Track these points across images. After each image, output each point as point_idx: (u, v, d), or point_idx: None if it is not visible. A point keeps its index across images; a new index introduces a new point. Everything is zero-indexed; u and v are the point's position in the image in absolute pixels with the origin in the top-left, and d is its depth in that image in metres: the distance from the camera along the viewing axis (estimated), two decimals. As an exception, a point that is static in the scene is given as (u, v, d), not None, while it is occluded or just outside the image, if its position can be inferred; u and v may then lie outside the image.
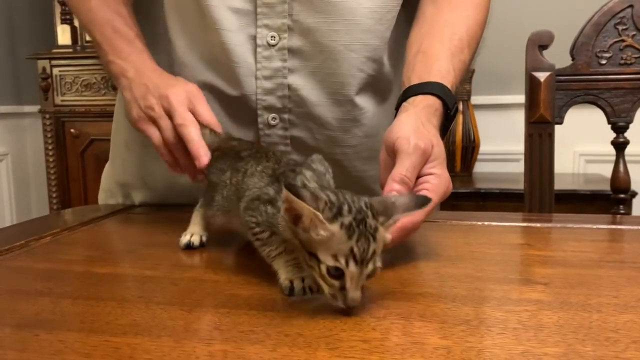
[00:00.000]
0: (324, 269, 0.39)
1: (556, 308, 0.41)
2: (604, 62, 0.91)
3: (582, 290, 0.44)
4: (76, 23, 2.14)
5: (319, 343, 0.36)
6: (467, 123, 2.06)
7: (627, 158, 1.72)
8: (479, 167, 2.18)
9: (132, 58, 0.68)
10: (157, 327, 0.39)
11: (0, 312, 0.43)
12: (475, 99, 2.11)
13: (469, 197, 1.86)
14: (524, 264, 0.53)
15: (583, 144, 2.09)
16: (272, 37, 0.70)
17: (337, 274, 0.39)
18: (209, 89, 0.72)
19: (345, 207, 0.39)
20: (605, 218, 0.78)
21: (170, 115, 0.64)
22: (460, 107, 2.08)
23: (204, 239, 0.58)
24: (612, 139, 0.92)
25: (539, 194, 0.91)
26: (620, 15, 0.90)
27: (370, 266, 0.39)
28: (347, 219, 0.39)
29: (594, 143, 2.15)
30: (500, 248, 0.58)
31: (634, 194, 1.76)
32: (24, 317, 0.41)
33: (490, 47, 2.05)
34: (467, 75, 2.12)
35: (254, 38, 0.71)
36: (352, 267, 0.38)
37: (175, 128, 0.63)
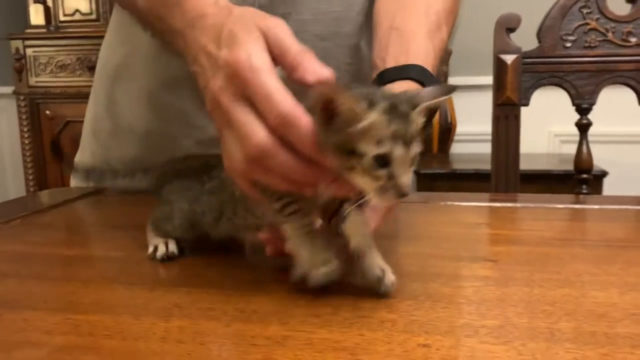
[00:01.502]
0: (367, 161, 0.36)
1: (500, 284, 0.43)
2: (569, 45, 0.92)
3: (528, 267, 0.47)
4: (49, 2, 2.11)
5: (272, 319, 0.37)
6: (443, 104, 2.08)
7: (599, 138, 1.76)
8: (456, 148, 2.21)
9: (180, 26, 0.48)
10: (118, 306, 0.41)
11: (-35, 293, 0.44)
12: (451, 80, 2.13)
13: (445, 178, 1.89)
14: (478, 242, 0.55)
15: (557, 124, 2.13)
16: None
17: (383, 162, 0.36)
18: (185, 80, 0.72)
19: (378, 95, 0.37)
20: (567, 198, 0.81)
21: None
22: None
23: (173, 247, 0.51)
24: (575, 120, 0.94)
25: (505, 175, 0.94)
26: (585, -2, 0.92)
27: (413, 148, 0.37)
28: (382, 105, 0.36)
29: (569, 124, 2.19)
30: (458, 227, 0.60)
31: (605, 173, 1.80)
32: (-12, 298, 0.42)
33: (467, 28, 2.07)
34: (444, 56, 2.13)
35: None
36: (398, 149, 0.36)
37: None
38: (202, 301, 0.41)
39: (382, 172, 0.36)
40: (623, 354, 0.32)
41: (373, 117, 0.36)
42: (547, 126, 2.11)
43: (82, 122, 1.91)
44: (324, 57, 0.54)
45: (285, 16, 0.70)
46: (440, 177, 1.89)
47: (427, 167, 1.93)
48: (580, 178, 0.95)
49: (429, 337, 0.34)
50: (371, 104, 0.36)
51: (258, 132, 0.38)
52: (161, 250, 0.50)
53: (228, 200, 0.47)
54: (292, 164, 0.38)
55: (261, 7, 0.69)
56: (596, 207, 0.70)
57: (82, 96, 2.04)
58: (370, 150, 0.36)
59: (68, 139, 2.09)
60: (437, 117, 2.07)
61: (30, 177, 2.09)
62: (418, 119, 0.38)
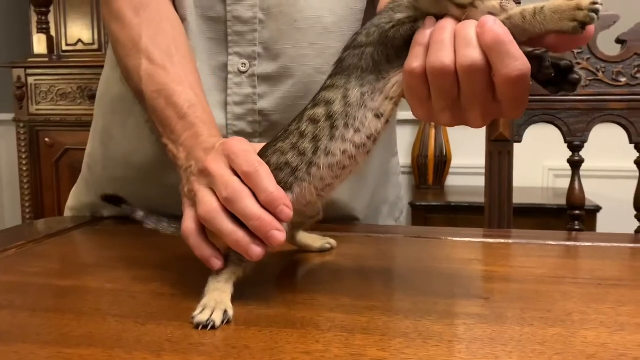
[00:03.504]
0: None
1: (492, 322, 0.43)
2: (560, 83, 0.94)
3: (519, 304, 0.47)
4: (52, 32, 2.15)
5: (264, 355, 0.38)
6: (439, 138, 2.10)
7: (593, 173, 1.77)
8: (452, 181, 2.23)
9: (182, 140, 0.58)
10: (110, 339, 0.41)
11: (-42, 324, 0.44)
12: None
13: (439, 210, 1.90)
14: (471, 278, 0.56)
15: (552, 159, 2.15)
16: (242, 64, 0.73)
17: None
18: None
19: None
20: (560, 235, 0.81)
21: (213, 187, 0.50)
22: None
23: (229, 314, 0.44)
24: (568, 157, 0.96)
25: (499, 210, 0.95)
26: (576, 39, 0.94)
27: None
28: None
29: (562, 158, 2.21)
30: (451, 263, 0.61)
31: (598, 208, 1.81)
32: (-20, 330, 0.43)
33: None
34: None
35: (225, 66, 0.73)
36: None
37: (226, 196, 0.47)
38: (194, 336, 0.41)
39: None
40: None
41: None
42: (541, 160, 2.13)
43: (81, 149, 1.92)
44: None
45: (286, 51, 0.72)
46: (435, 209, 1.90)
47: (422, 200, 1.94)
48: (572, 214, 0.96)
49: (418, 375, 0.35)
50: None
51: (231, 178, 0.48)
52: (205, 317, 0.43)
53: None
54: (242, 195, 0.46)
55: (263, 43, 0.72)
56: (588, 244, 0.71)
57: (81, 124, 2.07)
58: None
59: (66, 167, 2.10)
60: (432, 150, 2.09)
61: (27, 204, 2.09)
62: None
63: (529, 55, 0.39)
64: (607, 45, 0.95)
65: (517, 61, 0.39)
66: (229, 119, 0.74)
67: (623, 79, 0.93)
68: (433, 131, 2.10)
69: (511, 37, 0.40)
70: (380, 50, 0.45)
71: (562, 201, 1.95)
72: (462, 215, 1.88)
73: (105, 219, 0.83)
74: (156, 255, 0.63)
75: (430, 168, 2.11)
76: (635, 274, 0.57)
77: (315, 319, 0.44)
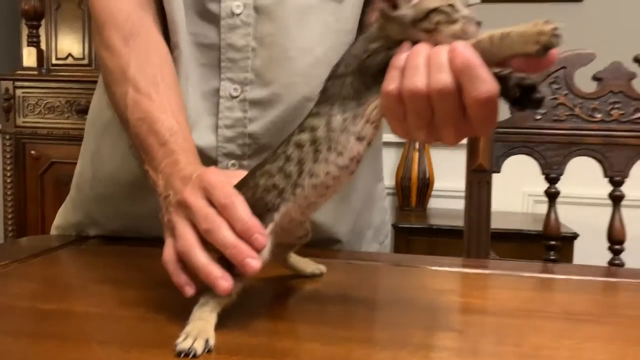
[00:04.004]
0: (446, 9, 0.45)
1: (464, 356, 0.45)
2: (539, 117, 0.98)
3: (491, 338, 0.49)
4: (43, 46, 2.16)
5: (244, 385, 0.39)
6: (422, 161, 2.13)
7: (572, 200, 1.80)
8: (434, 203, 2.26)
9: (162, 167, 0.60)
10: (94, 366, 0.42)
11: (-57, 347, 0.45)
12: (432, 138, 2.19)
13: (422, 233, 1.93)
14: (446, 310, 0.58)
15: (531, 185, 2.19)
16: (234, 89, 0.75)
17: (454, 8, 0.45)
18: None
19: None
20: (535, 266, 0.84)
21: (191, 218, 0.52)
22: (417, 145, 2.16)
23: (211, 343, 0.45)
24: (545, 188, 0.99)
25: (477, 237, 0.97)
26: (555, 75, 0.98)
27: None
28: None
29: (542, 185, 2.27)
30: (428, 293, 0.63)
31: (576, 236, 1.85)
32: (-34, 354, 0.43)
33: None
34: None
35: (217, 90, 0.75)
36: None
37: (205, 228, 0.50)
38: (177, 364, 0.42)
39: (459, 14, 0.45)
40: None
41: None
42: (521, 186, 2.17)
43: (67, 163, 1.90)
44: None
45: (277, 78, 0.74)
46: (417, 231, 1.93)
47: (405, 222, 1.96)
48: (548, 244, 0.98)
49: (391, 409, 0.36)
50: None
51: (209, 211, 0.50)
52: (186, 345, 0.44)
53: None
54: (220, 228, 0.49)
55: (255, 70, 0.74)
56: (561, 277, 0.73)
57: (68, 138, 2.07)
58: (441, 3, 0.45)
59: (52, 180, 2.09)
60: (415, 173, 2.12)
61: (10, 217, 2.08)
62: None
63: (496, 76, 0.42)
64: (584, 82, 0.98)
65: (486, 84, 0.42)
66: (219, 142, 0.76)
67: (599, 115, 0.97)
68: (417, 154, 2.14)
69: (480, 61, 0.43)
70: (359, 78, 0.49)
71: (541, 227, 2.00)
72: (444, 238, 1.90)
73: (90, 238, 0.84)
74: (141, 277, 0.64)
75: (413, 190, 2.14)
76: (603, 309, 0.60)
77: (295, 349, 0.45)
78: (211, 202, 0.50)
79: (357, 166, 0.50)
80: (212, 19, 0.73)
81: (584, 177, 1.64)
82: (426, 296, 0.62)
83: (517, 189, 2.19)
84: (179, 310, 0.52)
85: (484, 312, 0.57)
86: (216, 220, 0.49)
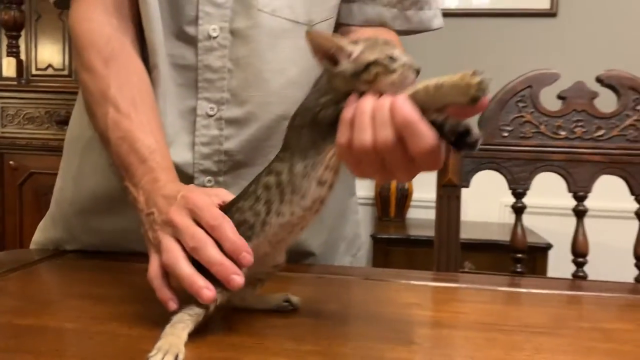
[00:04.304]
0: (384, 61, 0.48)
1: (419, 367, 0.48)
2: (506, 134, 1.02)
3: (447, 350, 0.52)
4: (23, 56, 2.16)
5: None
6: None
7: (541, 210, 1.84)
8: (413, 213, 2.30)
9: (142, 183, 0.63)
10: (67, 382, 0.44)
11: None
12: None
13: (400, 243, 1.96)
14: (409, 324, 0.60)
15: (508, 195, 2.24)
16: (211, 108, 0.77)
17: (393, 59, 0.48)
18: None
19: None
20: (503, 280, 0.87)
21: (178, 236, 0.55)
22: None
23: (180, 357, 0.48)
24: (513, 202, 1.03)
25: (447, 250, 1.00)
26: (521, 94, 1.02)
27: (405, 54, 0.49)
28: (363, 38, 0.50)
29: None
30: (394, 307, 0.65)
31: (550, 246, 1.90)
32: (-57, 370, 0.45)
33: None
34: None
35: (194, 109, 0.77)
36: (396, 51, 0.49)
37: (192, 246, 0.53)
38: (147, 379, 0.44)
39: (396, 64, 0.48)
40: None
41: (363, 43, 0.49)
42: (498, 197, 2.22)
43: (46, 174, 1.90)
44: (283, 135, 0.62)
45: (252, 98, 0.77)
46: (396, 242, 1.96)
47: (384, 232, 2.00)
48: (515, 257, 1.02)
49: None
50: (354, 42, 0.50)
51: (197, 230, 0.53)
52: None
53: None
54: (207, 246, 0.52)
55: (231, 90, 0.76)
56: (524, 290, 0.77)
57: (47, 149, 2.07)
58: (379, 55, 0.48)
59: (30, 191, 2.09)
60: (394, 183, 2.16)
61: (-13, 227, 2.07)
62: None
63: (433, 124, 0.46)
64: (549, 100, 1.03)
65: (425, 137, 0.46)
66: (195, 158, 0.78)
67: (563, 133, 1.01)
68: (396, 166, 2.18)
69: (418, 116, 0.46)
70: (314, 130, 0.52)
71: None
72: (422, 248, 1.94)
73: (68, 252, 0.85)
74: (116, 292, 0.66)
75: (392, 201, 2.18)
76: (558, 321, 0.63)
77: (260, 363, 0.48)
78: (197, 222, 0.53)
79: (322, 206, 0.54)
80: (190, 41, 0.76)
81: (557, 189, 1.69)
82: (391, 310, 0.64)
83: (494, 199, 2.23)
84: (152, 326, 0.54)
85: (445, 325, 0.60)
86: (202, 239, 0.52)
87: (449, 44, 2.34)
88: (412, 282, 0.77)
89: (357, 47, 0.49)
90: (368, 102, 0.49)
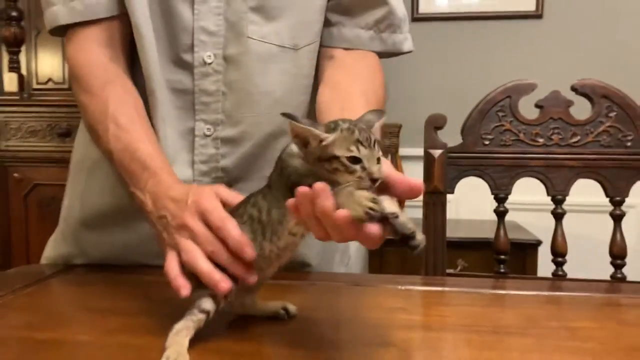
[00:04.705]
0: (345, 160, 0.50)
1: (398, 368, 0.54)
2: (487, 142, 1.07)
3: (425, 352, 0.58)
4: (24, 71, 2.21)
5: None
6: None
7: (534, 207, 1.89)
8: (410, 213, 2.35)
9: (148, 187, 0.69)
10: (86, 390, 0.50)
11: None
12: (403, 151, 2.29)
13: (395, 244, 2.01)
14: (390, 327, 0.66)
15: (500, 193, 2.30)
16: (207, 129, 0.83)
17: (355, 160, 0.50)
18: None
19: (340, 122, 0.52)
20: (487, 282, 0.93)
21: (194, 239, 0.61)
22: (389, 159, 2.26)
23: None
24: (495, 207, 1.09)
25: (433, 253, 1.06)
26: (501, 104, 1.08)
27: (376, 149, 0.51)
28: (344, 125, 0.52)
29: (512, 194, 2.38)
30: (378, 312, 0.71)
31: (539, 242, 1.96)
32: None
33: (416, 105, 2.26)
34: (395, 130, 2.30)
35: (192, 130, 0.83)
36: (363, 150, 0.50)
37: (211, 250, 0.60)
38: (156, 385, 0.50)
39: (357, 167, 0.50)
40: None
41: (334, 135, 0.51)
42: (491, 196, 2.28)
43: (49, 185, 1.93)
44: (275, 152, 0.68)
45: (244, 118, 0.83)
46: (391, 243, 2.01)
47: (379, 234, 2.05)
48: (498, 259, 1.08)
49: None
50: (331, 129, 0.52)
51: (209, 234, 0.60)
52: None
53: None
54: (220, 250, 0.59)
55: (225, 111, 0.82)
56: (503, 292, 0.82)
57: (50, 161, 2.13)
58: (344, 153, 0.50)
59: (35, 202, 2.15)
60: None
61: (-5, 238, 2.13)
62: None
63: (385, 218, 0.49)
64: (527, 109, 1.08)
65: (367, 243, 0.50)
66: (195, 175, 0.84)
67: (541, 140, 1.07)
68: (389, 168, 2.24)
69: (356, 230, 0.48)
70: (282, 189, 0.56)
71: (510, 235, 2.10)
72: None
73: (77, 266, 0.91)
74: (125, 305, 0.72)
75: (387, 202, 2.23)
76: (529, 322, 0.69)
77: (257, 368, 0.54)
78: (207, 224, 0.60)
79: (296, 248, 0.60)
80: (187, 67, 0.82)
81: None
82: (375, 314, 0.70)
83: (488, 197, 2.29)
84: (159, 336, 0.59)
85: (425, 328, 0.66)
86: (218, 244, 0.59)
87: (439, 46, 2.40)
88: (399, 287, 0.83)
89: (330, 137, 0.51)
90: (320, 202, 0.50)
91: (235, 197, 0.64)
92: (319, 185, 0.49)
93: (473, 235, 2.01)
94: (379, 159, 0.51)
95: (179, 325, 0.57)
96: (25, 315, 0.70)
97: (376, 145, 0.51)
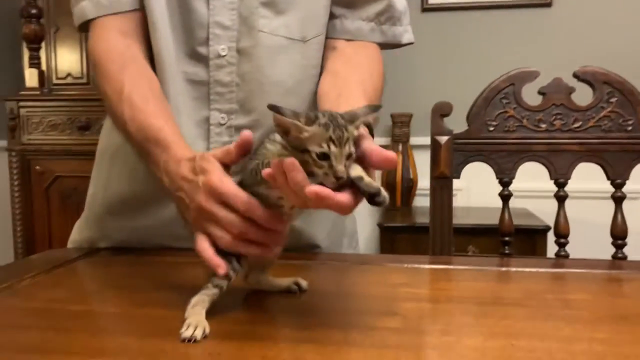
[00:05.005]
0: (314, 156, 0.54)
1: (401, 333, 0.58)
2: (492, 129, 1.11)
3: (426, 320, 0.63)
4: (44, 67, 2.29)
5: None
6: (405, 163, 2.27)
7: (541, 194, 1.92)
8: (420, 202, 2.39)
9: (162, 166, 0.72)
10: (118, 350, 0.55)
11: (1, 341, 0.58)
12: (413, 140, 2.33)
13: (406, 231, 2.06)
14: (395, 299, 0.71)
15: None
16: (222, 118, 0.88)
17: (324, 157, 0.53)
18: None
19: (321, 115, 0.56)
20: (492, 261, 0.97)
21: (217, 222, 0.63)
22: (400, 148, 2.30)
23: (207, 330, 0.58)
24: (499, 191, 1.13)
25: (440, 236, 1.10)
26: (505, 91, 1.11)
27: (346, 148, 0.54)
28: (323, 121, 0.55)
29: (521, 181, 2.41)
30: (384, 287, 0.76)
31: (548, 228, 1.99)
32: (19, 346, 0.57)
33: (426, 96, 2.29)
34: (407, 119, 2.34)
35: (207, 119, 0.88)
36: (333, 148, 0.54)
37: (237, 232, 0.62)
38: (181, 348, 0.55)
39: (325, 163, 0.54)
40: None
41: (313, 129, 0.54)
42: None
43: (70, 177, 1.98)
44: None
45: (256, 107, 0.88)
46: (402, 230, 2.06)
47: (390, 221, 2.10)
48: (503, 240, 1.12)
49: (338, 372, 0.50)
50: (314, 121, 0.54)
51: (234, 218, 0.62)
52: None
53: None
54: (249, 228, 0.61)
55: (239, 101, 0.87)
56: (504, 269, 0.87)
57: (70, 153, 2.20)
58: (315, 149, 0.54)
59: (56, 193, 2.22)
60: (399, 174, 2.26)
61: (19, 229, 2.21)
62: (353, 130, 0.56)
63: (353, 183, 0.55)
64: (530, 96, 1.12)
65: (340, 210, 0.54)
66: None
67: (543, 125, 1.10)
68: (400, 157, 2.27)
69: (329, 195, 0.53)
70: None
71: (519, 221, 2.13)
72: (426, 235, 2.03)
73: (101, 250, 0.97)
74: (146, 283, 0.77)
75: (398, 191, 2.27)
76: (527, 294, 0.73)
77: (271, 332, 0.59)
78: (226, 205, 0.62)
79: (294, 213, 0.62)
80: (202, 59, 0.87)
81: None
82: (382, 289, 0.75)
83: (497, 185, 2.32)
84: (181, 309, 0.65)
85: (428, 300, 0.71)
86: (243, 226, 0.61)
87: (449, 36, 2.43)
88: (405, 265, 0.87)
89: (309, 130, 0.54)
90: (293, 175, 0.53)
91: (228, 151, 0.65)
92: (289, 159, 0.53)
93: (483, 222, 2.05)
94: (350, 155, 0.55)
95: (195, 299, 0.62)
96: (56, 291, 0.76)
97: (348, 144, 0.54)
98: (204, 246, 0.63)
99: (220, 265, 0.62)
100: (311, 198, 0.53)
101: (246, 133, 0.62)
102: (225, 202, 0.62)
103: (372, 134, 0.64)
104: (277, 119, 0.56)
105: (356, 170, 0.55)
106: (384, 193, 0.55)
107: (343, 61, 0.88)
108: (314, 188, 0.53)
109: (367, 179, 0.55)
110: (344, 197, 0.54)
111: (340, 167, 0.54)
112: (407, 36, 0.94)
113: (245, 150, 0.63)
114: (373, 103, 0.82)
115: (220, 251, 0.62)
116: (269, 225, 0.61)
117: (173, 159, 0.70)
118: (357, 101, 0.76)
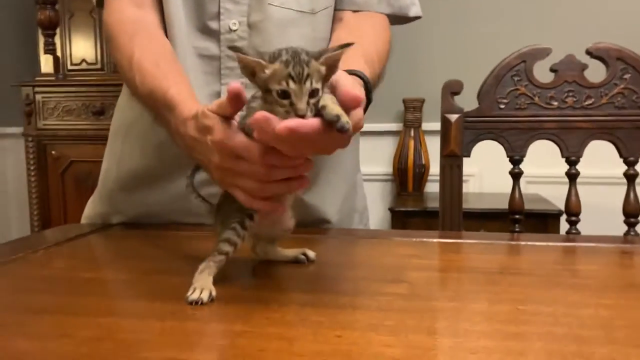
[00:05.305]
0: (275, 94, 0.53)
1: (408, 298, 0.59)
2: (502, 106, 1.11)
3: (434, 287, 0.63)
4: (58, 53, 2.31)
5: (237, 320, 0.53)
6: (417, 148, 2.26)
7: (554, 180, 1.91)
8: (432, 187, 2.39)
9: (173, 129, 0.71)
10: (129, 311, 0.56)
11: (15, 303, 0.60)
12: (425, 125, 2.32)
13: (417, 215, 2.06)
14: (404, 268, 0.71)
15: (524, 166, 2.31)
16: None
17: (285, 94, 0.52)
18: None
19: (284, 52, 0.55)
20: (503, 235, 0.97)
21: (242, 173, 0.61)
22: (412, 133, 2.29)
23: (213, 294, 0.59)
24: (510, 169, 1.12)
25: (450, 214, 1.10)
26: (516, 68, 1.10)
27: (307, 84, 0.52)
28: (284, 57, 0.53)
29: (534, 166, 2.39)
30: (393, 258, 0.76)
31: (561, 213, 1.97)
32: (33, 307, 0.58)
33: (438, 81, 2.27)
34: (419, 104, 2.33)
35: (219, 93, 0.89)
36: (292, 85, 0.52)
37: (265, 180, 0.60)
38: (188, 309, 0.56)
39: (285, 101, 0.53)
40: (473, 342, 0.48)
41: (274, 67, 0.53)
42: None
43: (85, 161, 2.00)
44: None
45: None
46: (413, 214, 2.06)
47: (402, 205, 2.10)
48: (513, 218, 1.11)
49: (343, 331, 0.50)
50: (276, 58, 0.54)
51: (253, 168, 0.59)
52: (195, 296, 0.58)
53: None
54: (273, 169, 0.58)
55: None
56: (513, 243, 0.86)
57: (85, 138, 2.23)
58: (275, 87, 0.53)
59: (72, 178, 2.25)
60: (411, 159, 2.25)
61: (35, 213, 2.24)
62: (317, 66, 0.54)
63: (317, 114, 0.53)
64: (542, 73, 1.11)
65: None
66: None
67: (555, 103, 1.09)
68: (412, 142, 2.27)
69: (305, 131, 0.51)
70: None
71: (532, 206, 2.12)
72: (438, 219, 2.03)
73: (114, 225, 0.99)
74: (157, 254, 0.78)
75: (410, 176, 2.27)
76: (535, 265, 0.73)
77: (277, 296, 0.59)
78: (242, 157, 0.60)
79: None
80: (213, 34, 0.88)
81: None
82: (390, 259, 0.75)
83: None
84: (186, 275, 0.66)
85: (435, 269, 0.71)
86: (266, 170, 0.59)
87: (458, 15, 2.41)
88: (414, 239, 0.87)
89: (269, 67, 0.53)
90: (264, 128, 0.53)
91: (223, 105, 0.61)
92: (260, 113, 0.52)
93: (495, 206, 2.04)
94: (314, 92, 0.53)
95: (202, 266, 0.62)
96: (70, 261, 0.77)
97: (309, 80, 0.53)
98: (246, 200, 0.61)
99: (274, 207, 0.61)
100: (285, 135, 0.51)
101: (233, 85, 0.57)
102: (239, 156, 0.60)
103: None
104: (240, 59, 0.54)
105: (324, 100, 0.53)
106: (345, 118, 0.53)
107: (347, 31, 0.88)
108: (283, 124, 0.51)
109: (330, 107, 0.53)
110: (314, 121, 0.52)
111: (300, 105, 0.52)
112: (415, 9, 0.94)
113: (239, 101, 0.59)
114: (374, 67, 0.83)
115: (224, 218, 0.63)
116: (290, 161, 0.58)
117: (179, 120, 0.70)
118: (356, 64, 0.75)
